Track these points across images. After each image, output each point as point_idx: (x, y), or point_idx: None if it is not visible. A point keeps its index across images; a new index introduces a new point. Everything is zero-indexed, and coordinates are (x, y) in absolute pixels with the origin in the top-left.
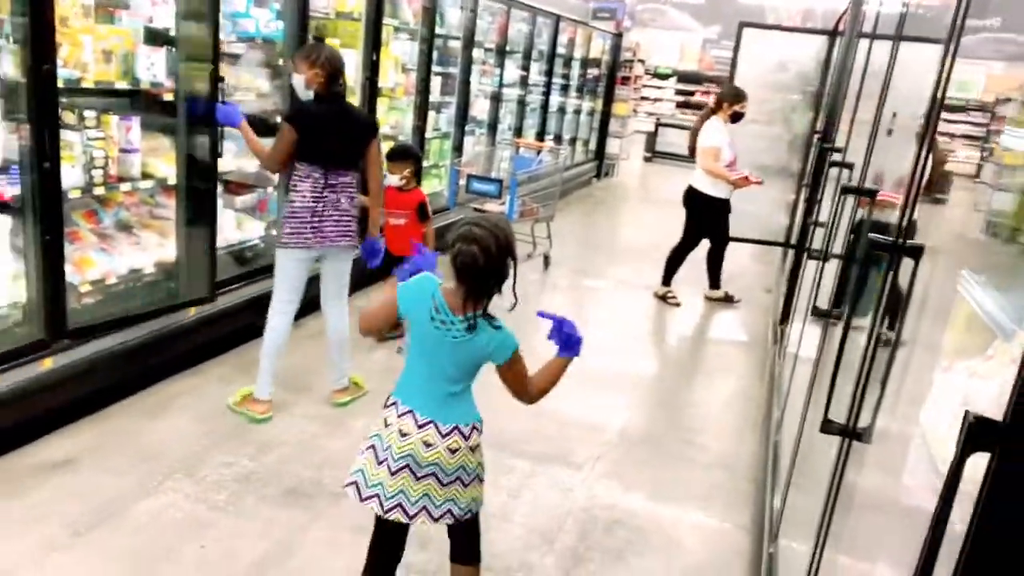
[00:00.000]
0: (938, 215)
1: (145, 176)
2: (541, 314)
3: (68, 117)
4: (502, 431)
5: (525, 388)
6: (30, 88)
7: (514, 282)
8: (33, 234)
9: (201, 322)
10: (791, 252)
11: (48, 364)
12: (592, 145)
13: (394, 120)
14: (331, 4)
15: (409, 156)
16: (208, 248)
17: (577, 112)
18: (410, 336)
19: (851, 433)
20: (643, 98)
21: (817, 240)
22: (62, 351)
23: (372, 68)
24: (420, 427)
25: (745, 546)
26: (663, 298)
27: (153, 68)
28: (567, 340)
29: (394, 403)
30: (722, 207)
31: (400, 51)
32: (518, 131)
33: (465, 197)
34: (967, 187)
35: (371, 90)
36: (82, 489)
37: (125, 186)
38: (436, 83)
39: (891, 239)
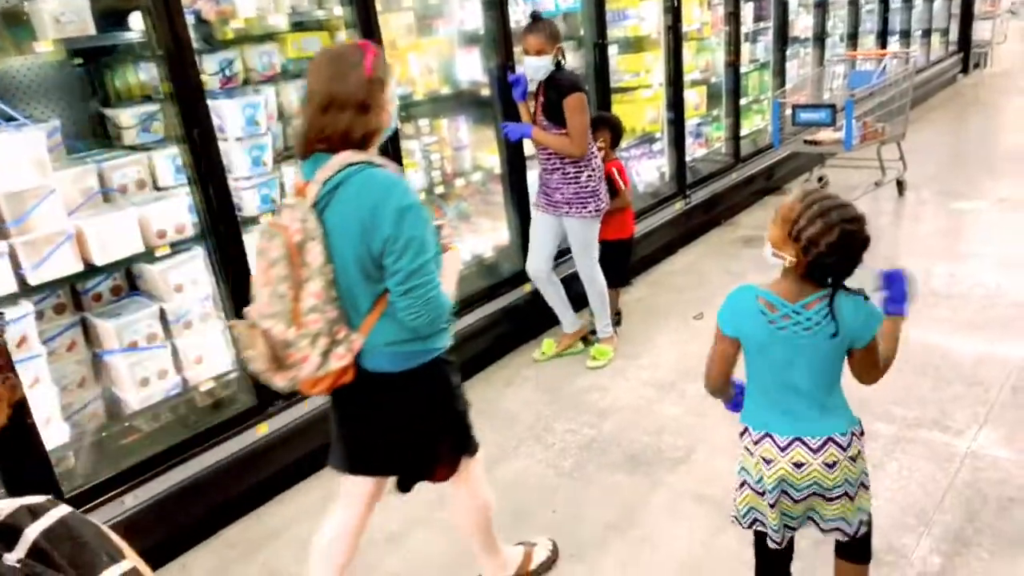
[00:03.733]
0: None
1: (476, 168)
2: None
3: (407, 129)
4: (862, 389)
5: (877, 364)
6: None
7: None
8: None
9: (532, 300)
10: None
11: None
12: (953, 35)
13: (703, 62)
14: None
15: (600, 125)
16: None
17: (929, 0)
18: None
19: None
20: None
21: None
22: None
23: (674, 14)
24: (783, 449)
25: None
26: None
27: (469, 69)
28: (896, 295)
29: (745, 430)
30: None
31: None
32: (853, 40)
33: (792, 130)
34: None
35: (675, 37)
36: None
37: (460, 180)
38: (748, 10)
39: None
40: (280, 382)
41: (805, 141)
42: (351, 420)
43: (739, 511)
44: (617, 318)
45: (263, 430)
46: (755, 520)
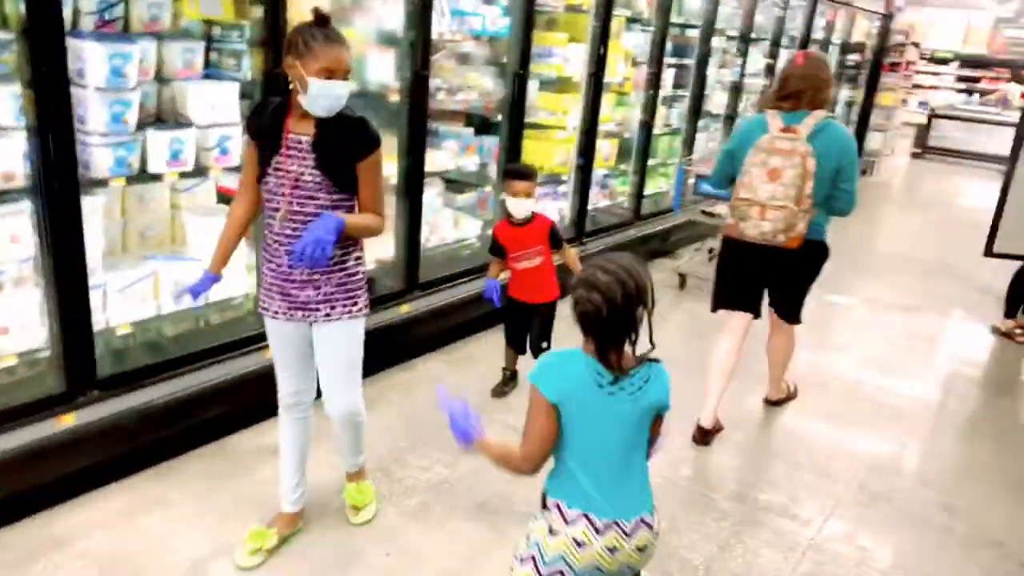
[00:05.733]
0: None
1: None
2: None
3: None
4: (720, 465)
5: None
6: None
7: (650, 331)
8: None
9: (412, 319)
10: None
11: None
12: None
13: (620, 116)
14: None
15: (530, 175)
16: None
17: (833, 102)
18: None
19: None
20: (915, 86)
21: None
22: None
23: (598, 63)
24: (599, 532)
25: None
26: (1008, 335)
27: (381, 70)
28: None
29: (555, 504)
30: None
31: (631, 43)
32: None
33: (693, 198)
34: None
35: (596, 86)
36: None
37: None
38: (669, 75)
39: None
40: (781, 238)
41: (703, 211)
42: (780, 268)
43: None
44: (512, 374)
45: (68, 421)
46: None
